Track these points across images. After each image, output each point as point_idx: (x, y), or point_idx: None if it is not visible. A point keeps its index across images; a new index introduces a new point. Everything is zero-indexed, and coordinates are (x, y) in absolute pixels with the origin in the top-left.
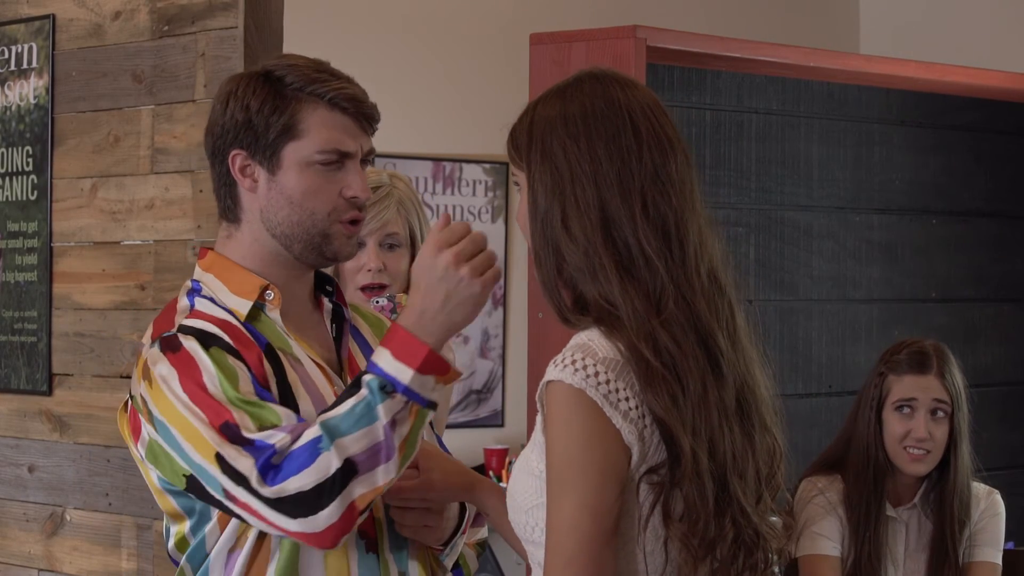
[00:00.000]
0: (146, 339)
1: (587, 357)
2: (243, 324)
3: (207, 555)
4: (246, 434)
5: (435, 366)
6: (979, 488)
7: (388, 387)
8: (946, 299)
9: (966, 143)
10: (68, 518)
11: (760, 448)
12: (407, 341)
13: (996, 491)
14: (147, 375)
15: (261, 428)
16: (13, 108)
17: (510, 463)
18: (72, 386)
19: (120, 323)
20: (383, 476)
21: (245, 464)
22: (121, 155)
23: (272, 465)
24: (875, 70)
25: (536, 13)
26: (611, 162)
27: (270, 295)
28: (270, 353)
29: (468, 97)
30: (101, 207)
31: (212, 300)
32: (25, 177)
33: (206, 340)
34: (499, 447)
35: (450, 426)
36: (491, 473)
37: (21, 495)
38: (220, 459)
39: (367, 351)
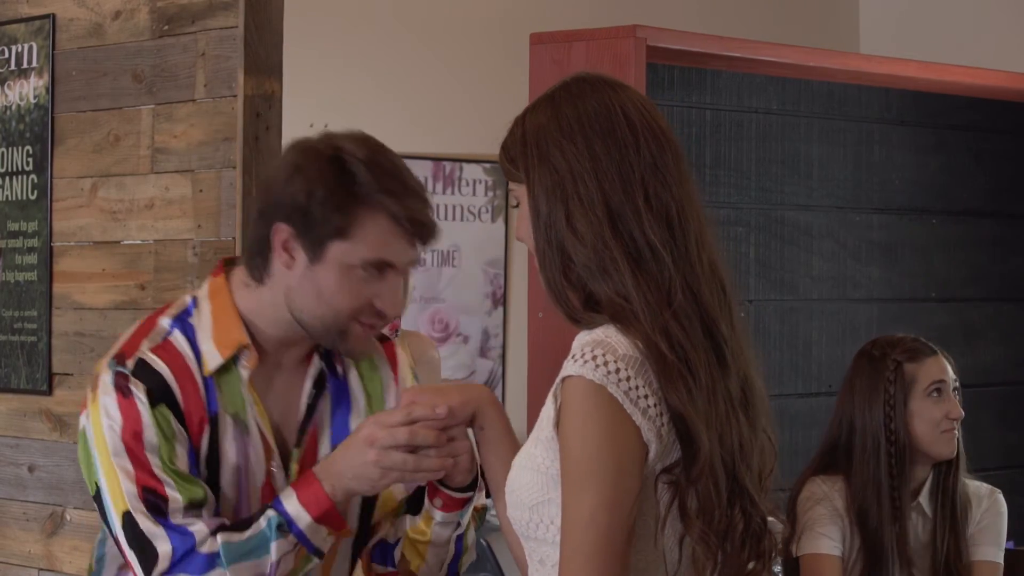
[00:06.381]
0: (117, 345)
1: (607, 353)
2: (205, 378)
3: (104, 551)
4: (172, 517)
5: (333, 521)
6: (981, 487)
7: (284, 527)
8: (946, 299)
9: (966, 143)
10: (68, 518)
11: (761, 439)
12: (316, 490)
13: (998, 490)
14: (95, 390)
15: (189, 504)
16: (13, 108)
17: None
18: (72, 386)
19: (120, 323)
20: None
21: (163, 548)
22: (121, 155)
23: (182, 560)
24: (875, 70)
25: (536, 12)
26: (610, 157)
27: (246, 354)
28: (213, 421)
29: (468, 96)
30: (101, 207)
31: (192, 335)
32: (25, 177)
33: (156, 395)
34: None
35: None
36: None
37: (21, 495)
38: (129, 519)
39: (342, 418)
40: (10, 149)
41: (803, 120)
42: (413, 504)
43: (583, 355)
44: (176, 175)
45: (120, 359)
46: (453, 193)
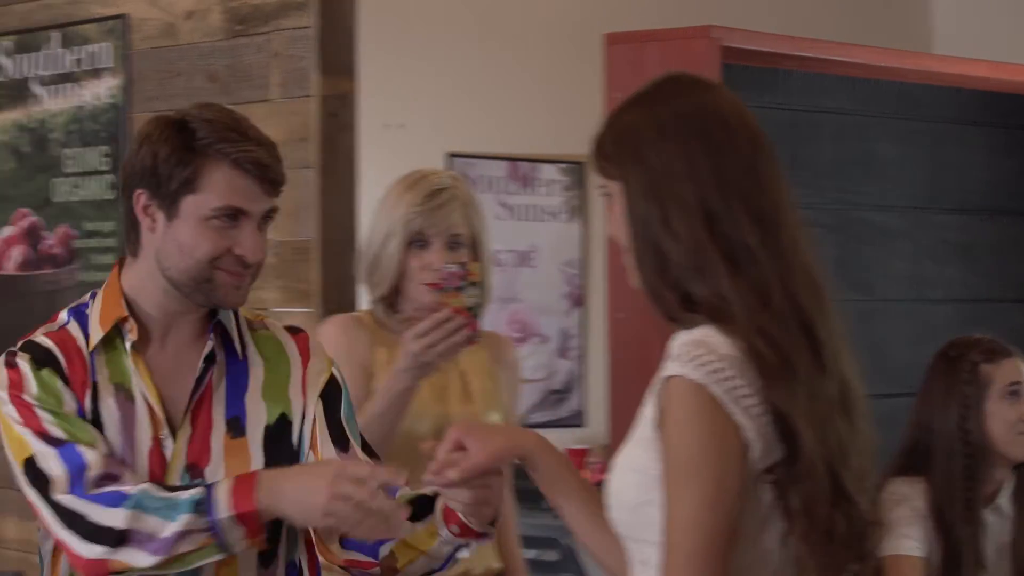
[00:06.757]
0: None
1: (708, 353)
2: (90, 354)
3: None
4: (58, 435)
5: (252, 525)
6: None
7: (202, 507)
8: (1023, 299)
9: None
10: None
11: (860, 440)
12: (248, 490)
13: None
14: None
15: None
16: (88, 108)
17: (590, 463)
18: None
19: None
20: (143, 560)
21: (55, 470)
22: None
23: (80, 482)
24: (946, 70)
25: (610, 12)
26: (706, 158)
27: (127, 326)
28: (95, 387)
29: (543, 96)
30: None
31: (85, 322)
32: (101, 177)
33: (41, 361)
34: (580, 447)
35: (530, 426)
36: None
37: None
38: (28, 463)
39: (236, 395)
40: (85, 149)
41: (877, 120)
42: (415, 512)
43: (685, 354)
44: None
45: (13, 345)
46: (530, 193)
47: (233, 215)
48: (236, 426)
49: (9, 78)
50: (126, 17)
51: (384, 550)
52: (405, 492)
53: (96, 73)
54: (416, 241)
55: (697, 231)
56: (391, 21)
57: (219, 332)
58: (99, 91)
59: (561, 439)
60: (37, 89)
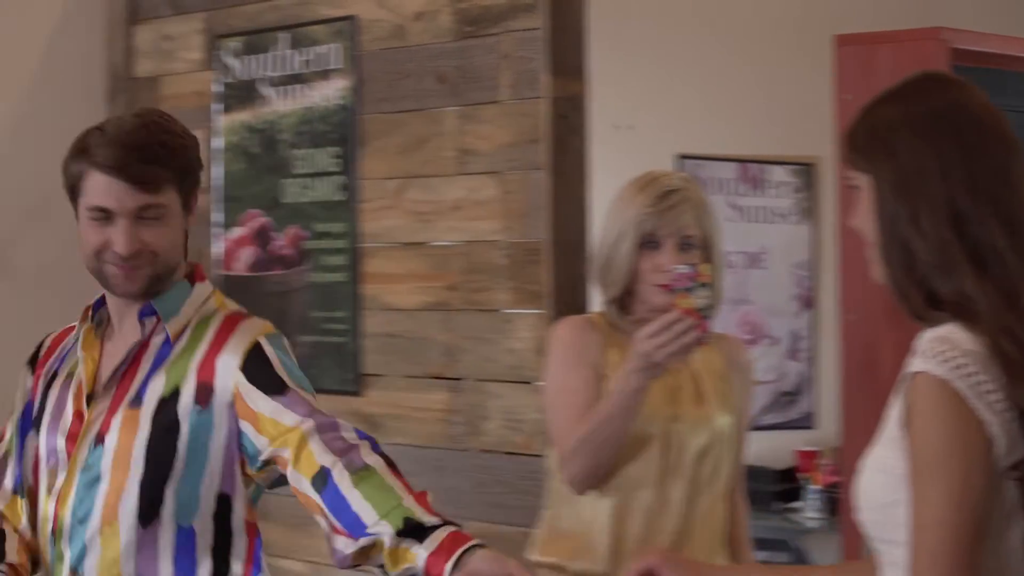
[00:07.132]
0: None
1: (952, 349)
2: (71, 347)
3: None
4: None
5: None
6: None
7: None
8: None
9: None
10: None
11: None
12: None
13: None
14: None
15: None
16: (317, 109)
17: (821, 465)
18: (384, 387)
19: (430, 324)
20: None
21: None
22: (426, 156)
23: None
24: None
25: (838, 13)
26: (958, 157)
27: (88, 315)
28: (52, 377)
29: (773, 98)
30: (408, 208)
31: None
32: (330, 178)
33: (31, 357)
34: (810, 449)
35: (760, 428)
36: (801, 474)
37: None
38: None
39: (151, 373)
40: (315, 150)
41: None
42: (408, 531)
43: (929, 350)
44: (483, 176)
45: None
46: (760, 195)
47: (105, 213)
48: (137, 398)
49: (238, 79)
50: (355, 18)
51: (365, 542)
52: (410, 507)
53: (325, 74)
54: (648, 242)
55: (944, 230)
56: (621, 22)
57: (156, 319)
58: (328, 92)
59: (791, 441)
60: (266, 90)
